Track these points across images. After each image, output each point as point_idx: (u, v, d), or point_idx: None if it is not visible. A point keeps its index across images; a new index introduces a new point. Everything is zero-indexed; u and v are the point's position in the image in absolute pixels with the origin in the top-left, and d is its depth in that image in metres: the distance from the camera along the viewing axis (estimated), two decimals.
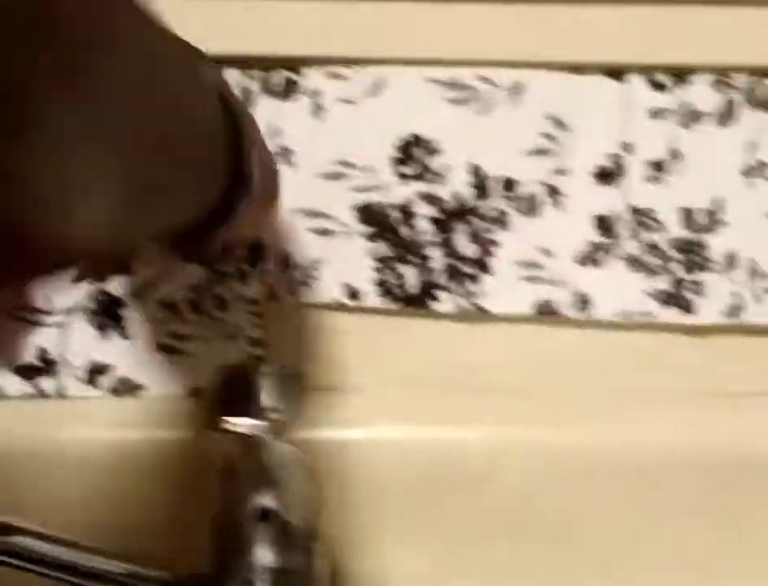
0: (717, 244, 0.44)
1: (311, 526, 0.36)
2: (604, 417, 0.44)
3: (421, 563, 0.44)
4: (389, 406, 0.44)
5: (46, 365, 0.44)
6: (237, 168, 0.32)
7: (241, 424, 0.32)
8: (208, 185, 0.31)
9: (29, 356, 0.44)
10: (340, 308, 0.44)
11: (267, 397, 0.35)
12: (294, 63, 0.43)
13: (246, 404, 0.34)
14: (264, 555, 0.35)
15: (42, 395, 0.44)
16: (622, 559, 0.44)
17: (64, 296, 0.44)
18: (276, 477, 0.35)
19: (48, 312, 0.44)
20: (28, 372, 0.44)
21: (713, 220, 0.44)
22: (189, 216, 0.30)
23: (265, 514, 0.34)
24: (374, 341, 0.44)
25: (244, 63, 0.43)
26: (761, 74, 0.43)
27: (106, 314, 0.45)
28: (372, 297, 0.44)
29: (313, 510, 0.36)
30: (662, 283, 0.45)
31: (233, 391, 0.35)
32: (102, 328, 0.44)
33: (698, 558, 0.44)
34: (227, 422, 0.33)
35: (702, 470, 0.44)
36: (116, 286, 0.44)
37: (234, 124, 0.32)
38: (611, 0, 0.42)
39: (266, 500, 0.35)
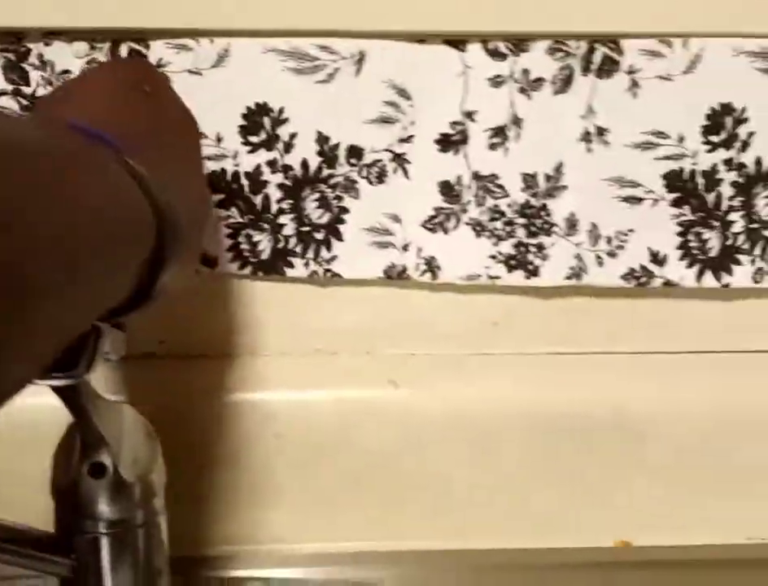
0: (558, 208, 0.46)
1: (147, 482, 0.38)
2: (452, 379, 0.47)
3: (281, 523, 0.47)
4: (248, 373, 0.47)
5: None
6: (158, 254, 0.32)
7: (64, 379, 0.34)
8: (125, 271, 0.31)
9: None
10: (195, 273, 0.46)
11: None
12: (140, 35, 0.44)
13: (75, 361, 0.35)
14: (102, 510, 0.37)
15: None
16: (478, 513, 0.48)
17: None
18: (110, 435, 0.37)
19: None
20: None
21: (553, 185, 0.46)
22: (106, 305, 0.31)
23: (100, 470, 0.37)
24: (230, 307, 0.46)
25: (92, 36, 0.44)
26: (597, 41, 0.44)
27: None
28: (226, 264, 0.46)
29: (148, 467, 0.38)
30: (507, 247, 0.47)
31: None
32: None
33: (541, 513, 0.47)
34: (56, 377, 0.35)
35: (546, 429, 0.46)
36: None
37: (156, 211, 0.31)
38: None
39: (101, 457, 0.37)
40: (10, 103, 0.44)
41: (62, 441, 0.38)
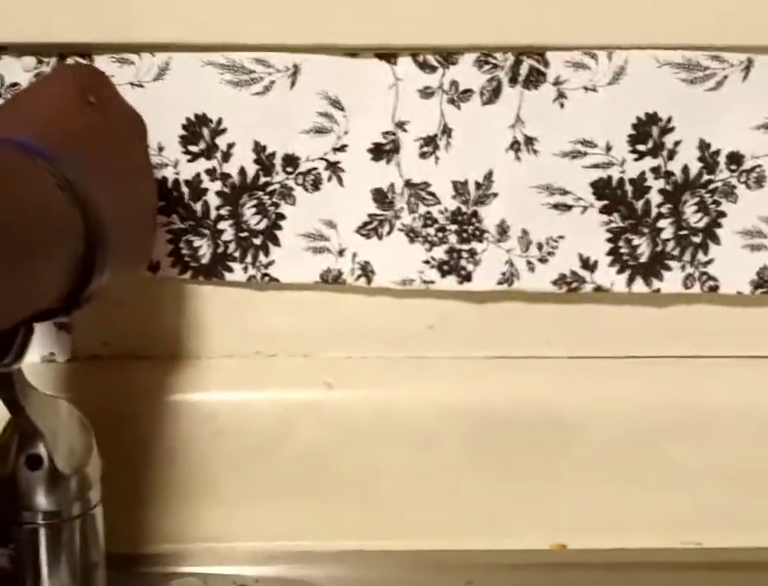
0: (489, 215, 0.48)
1: (82, 474, 0.39)
2: (387, 381, 0.48)
3: (219, 521, 0.48)
4: (187, 373, 0.48)
5: None
6: (87, 259, 0.34)
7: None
8: (54, 274, 0.33)
9: None
10: (138, 276, 0.48)
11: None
12: (85, 50, 0.46)
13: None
14: (39, 501, 0.39)
15: None
16: (413, 513, 0.49)
17: None
18: (45, 427, 0.38)
19: None
20: None
21: (484, 192, 0.47)
22: (33, 305, 0.33)
23: (37, 462, 0.38)
24: (172, 310, 0.48)
25: (39, 50, 0.46)
26: (523, 53, 0.45)
27: None
28: (167, 268, 0.48)
29: (83, 459, 0.40)
30: (440, 253, 0.48)
31: None
32: None
33: (475, 514, 0.48)
34: None
35: (479, 430, 0.48)
36: None
37: (85, 219, 0.33)
38: None
39: (38, 449, 0.38)
40: None
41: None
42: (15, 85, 0.45)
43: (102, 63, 0.45)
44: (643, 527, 0.48)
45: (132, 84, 0.45)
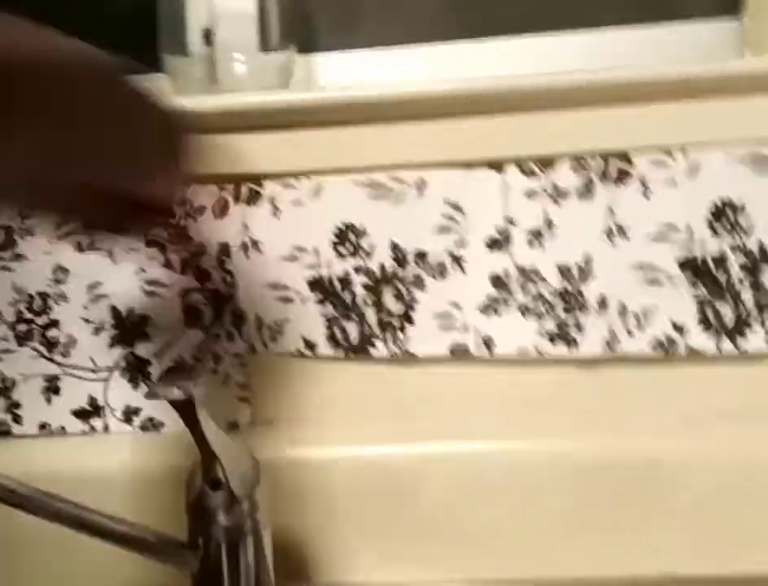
0: (592, 292, 0.55)
1: (251, 494, 0.48)
2: (508, 437, 0.56)
3: (367, 557, 0.57)
4: (341, 433, 0.58)
5: (95, 409, 0.61)
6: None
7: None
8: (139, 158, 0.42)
9: (83, 402, 0.60)
10: (301, 356, 0.58)
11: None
12: (256, 178, 0.58)
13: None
14: (219, 517, 0.47)
15: (93, 430, 0.60)
16: (532, 553, 0.56)
17: (105, 357, 0.60)
18: (221, 453, 0.47)
19: (94, 370, 0.60)
20: (82, 414, 0.61)
21: (584, 273, 0.55)
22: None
23: (217, 484, 0.47)
24: (326, 382, 0.58)
25: (217, 180, 0.58)
26: (610, 156, 0.54)
27: (137, 370, 0.60)
28: (324, 347, 0.58)
29: (252, 482, 0.48)
30: (549, 325, 0.56)
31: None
32: (132, 380, 0.60)
33: (573, 556, 0.55)
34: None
35: (591, 478, 0.55)
36: (143, 349, 0.60)
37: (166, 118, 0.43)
38: (487, 111, 0.54)
39: (216, 473, 0.47)
40: (163, 232, 0.59)
41: (190, 471, 0.49)
42: (202, 207, 0.58)
43: (270, 187, 0.57)
44: (733, 568, 0.53)
45: (293, 202, 0.57)
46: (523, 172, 0.56)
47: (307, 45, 0.67)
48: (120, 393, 0.61)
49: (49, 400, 0.61)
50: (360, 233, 0.57)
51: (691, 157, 0.54)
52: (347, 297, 0.58)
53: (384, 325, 0.58)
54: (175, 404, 0.42)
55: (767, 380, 0.55)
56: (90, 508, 0.47)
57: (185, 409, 0.42)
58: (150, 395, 0.41)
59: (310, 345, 0.59)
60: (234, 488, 0.46)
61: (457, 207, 0.57)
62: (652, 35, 0.63)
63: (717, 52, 0.62)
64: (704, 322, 0.55)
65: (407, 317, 0.58)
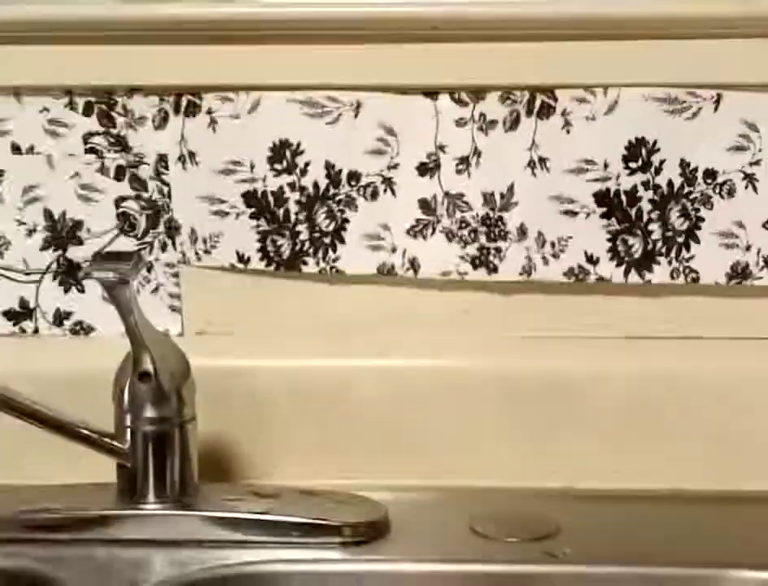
0: (513, 219, 0.59)
1: (179, 389, 0.50)
2: (431, 355, 0.60)
3: (293, 463, 0.59)
4: (271, 345, 0.60)
5: (26, 311, 0.61)
6: None
7: None
8: None
9: (14, 304, 0.61)
10: (233, 269, 0.60)
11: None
12: (196, 90, 0.59)
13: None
14: (146, 408, 0.49)
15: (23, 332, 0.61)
16: (451, 458, 0.60)
17: (38, 260, 0.61)
18: (152, 349, 0.49)
19: (27, 272, 0.61)
20: (13, 315, 0.61)
21: (507, 200, 0.59)
22: None
23: (145, 375, 0.49)
24: (257, 295, 0.60)
25: (161, 91, 0.58)
26: (537, 90, 0.57)
27: (69, 274, 0.61)
28: (256, 262, 0.60)
29: (181, 377, 0.51)
30: (472, 250, 0.59)
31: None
32: (64, 283, 0.61)
33: (499, 456, 0.59)
34: None
35: (502, 391, 0.58)
36: (76, 253, 0.61)
37: None
38: (427, 39, 0.57)
39: (145, 364, 0.50)
40: (101, 140, 0.59)
41: (121, 364, 0.51)
42: (142, 117, 0.59)
43: (209, 100, 0.59)
44: (636, 474, 0.58)
45: (231, 116, 0.59)
46: (455, 100, 0.58)
47: None
48: (52, 296, 0.62)
49: None
50: (295, 151, 0.59)
51: (611, 96, 0.57)
52: (281, 213, 0.60)
53: (315, 243, 0.61)
54: (109, 286, 0.43)
55: (669, 309, 0.60)
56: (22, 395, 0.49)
57: (119, 293, 0.44)
58: (85, 276, 0.42)
59: (242, 258, 0.60)
60: (163, 381, 0.48)
61: (391, 132, 0.59)
62: None
63: None
64: (614, 253, 0.59)
65: (338, 236, 0.60)
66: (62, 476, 0.57)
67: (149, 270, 0.61)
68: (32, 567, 0.48)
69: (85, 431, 0.48)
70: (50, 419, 0.48)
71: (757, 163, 0.58)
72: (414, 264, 0.60)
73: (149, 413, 0.48)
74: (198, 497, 0.51)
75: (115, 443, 0.48)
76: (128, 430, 0.49)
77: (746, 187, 0.58)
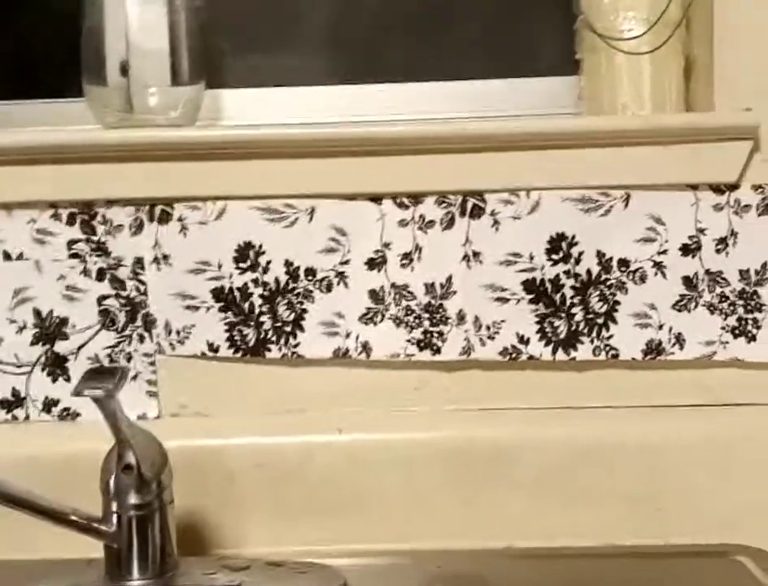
0: (452, 306, 0.66)
1: (158, 476, 0.56)
2: (383, 428, 0.66)
3: (259, 532, 0.66)
4: (239, 425, 0.67)
5: (17, 400, 0.68)
6: None
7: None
8: None
9: (6, 393, 0.67)
10: (204, 357, 0.67)
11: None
12: (168, 201, 0.66)
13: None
14: (130, 496, 0.56)
15: (15, 419, 0.67)
16: (403, 523, 0.66)
17: (27, 354, 0.67)
18: (134, 445, 0.55)
19: (18, 365, 0.67)
20: (6, 404, 0.68)
21: (446, 290, 0.66)
22: None
23: (129, 468, 0.56)
24: (226, 380, 0.67)
25: (137, 202, 0.65)
26: (468, 195, 0.65)
27: (56, 365, 0.68)
28: (224, 350, 0.67)
29: (159, 466, 0.57)
30: (417, 334, 0.66)
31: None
32: (51, 374, 0.67)
33: (447, 520, 0.66)
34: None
35: (447, 459, 0.65)
36: (61, 347, 0.67)
37: None
38: (371, 153, 0.64)
39: (129, 458, 0.56)
40: (84, 246, 0.66)
41: (106, 456, 0.57)
42: (120, 225, 0.66)
43: (179, 209, 0.66)
44: (566, 531, 0.65)
45: (199, 222, 0.66)
46: (397, 204, 0.66)
47: (216, 80, 0.75)
48: (41, 386, 0.68)
49: None
50: (257, 251, 0.67)
51: (533, 197, 0.65)
52: (246, 306, 0.67)
53: (278, 331, 0.67)
54: (96, 400, 0.50)
55: (593, 382, 0.67)
56: (16, 484, 0.55)
57: (105, 404, 0.50)
58: (76, 393, 0.49)
59: (212, 347, 0.67)
60: (144, 471, 0.55)
61: (342, 232, 0.66)
62: (509, 86, 0.75)
63: (563, 102, 0.74)
64: (542, 334, 0.67)
65: (297, 325, 0.67)
66: (56, 549, 0.63)
67: (128, 360, 0.68)
68: None
69: (75, 518, 0.54)
70: (42, 508, 0.54)
71: (664, 252, 0.66)
72: (366, 348, 0.67)
73: (132, 499, 0.55)
74: (177, 572, 0.57)
75: (103, 527, 0.55)
76: (115, 515, 0.55)
77: (656, 274, 0.66)
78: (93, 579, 0.56)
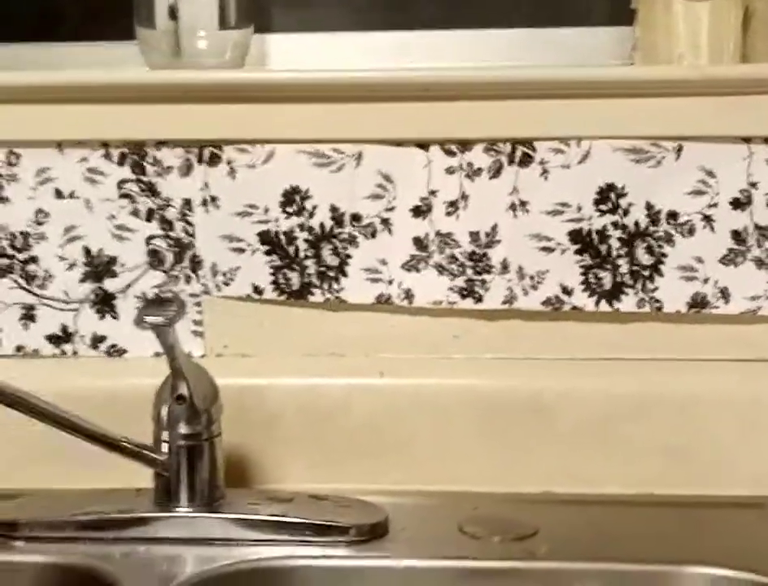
0: (496, 255, 0.66)
1: (209, 409, 0.58)
2: (420, 371, 0.67)
3: (301, 470, 0.67)
4: (281, 366, 0.68)
5: (66, 336, 0.69)
6: None
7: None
8: None
9: (56, 329, 0.69)
10: (249, 299, 0.68)
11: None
12: (217, 143, 0.66)
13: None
14: (181, 425, 0.57)
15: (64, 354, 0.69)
16: (440, 466, 0.67)
17: (77, 291, 0.69)
18: (187, 377, 0.57)
19: (67, 302, 0.69)
20: (55, 340, 0.69)
21: (491, 238, 0.66)
22: None
23: (181, 398, 0.57)
24: (270, 322, 0.68)
25: (186, 144, 0.66)
26: (518, 143, 0.64)
27: (104, 303, 0.69)
28: (269, 292, 0.68)
29: (210, 399, 0.59)
30: (460, 282, 0.67)
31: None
32: (100, 311, 0.69)
33: (484, 465, 0.67)
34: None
35: (484, 407, 0.66)
36: (110, 285, 0.69)
37: None
38: (420, 99, 0.64)
39: (182, 389, 0.57)
40: (133, 186, 0.67)
41: (160, 387, 0.59)
42: (170, 167, 0.67)
43: (228, 151, 0.66)
44: (603, 480, 0.65)
45: (248, 165, 0.66)
46: (444, 151, 0.66)
47: (264, 25, 0.75)
48: (89, 322, 0.70)
49: (26, 326, 0.69)
50: (304, 196, 0.67)
51: (583, 147, 0.65)
52: (291, 250, 0.68)
53: (321, 276, 0.68)
54: (156, 328, 0.51)
55: (636, 334, 0.67)
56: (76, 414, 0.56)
57: (163, 333, 0.51)
58: (138, 321, 0.50)
59: (257, 289, 0.68)
60: (196, 402, 0.56)
61: (388, 178, 0.66)
62: (559, 36, 0.74)
63: (614, 54, 0.73)
64: (587, 285, 0.67)
65: (341, 270, 0.68)
66: (99, 482, 0.65)
67: None
68: (84, 562, 0.56)
69: (128, 445, 0.56)
70: (95, 434, 0.56)
71: (714, 205, 0.65)
72: (409, 295, 0.68)
73: (183, 429, 0.56)
74: (224, 502, 0.59)
75: (154, 455, 0.56)
76: (166, 443, 0.57)
77: (704, 227, 0.66)
78: (142, 506, 0.58)
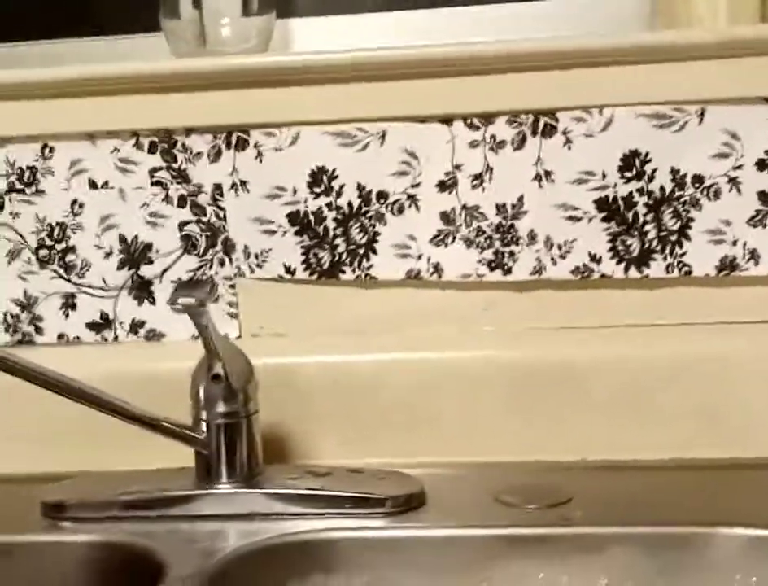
0: (523, 226, 0.67)
1: (245, 388, 0.60)
2: (451, 345, 0.68)
3: (336, 446, 0.68)
4: (314, 344, 0.69)
5: (106, 322, 0.71)
6: None
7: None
8: None
9: (96, 316, 0.71)
10: (281, 279, 0.69)
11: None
12: (245, 128, 0.68)
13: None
14: (219, 404, 0.59)
15: (104, 340, 0.71)
16: (474, 438, 0.68)
17: (114, 278, 0.71)
18: (222, 356, 0.58)
19: (105, 289, 0.71)
20: (95, 326, 0.71)
21: (517, 210, 0.66)
22: None
23: (217, 377, 0.59)
24: (302, 302, 0.69)
25: (215, 130, 0.67)
26: (540, 113, 0.64)
27: (141, 289, 0.71)
28: (300, 272, 0.69)
29: (246, 378, 0.60)
30: (488, 254, 0.67)
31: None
32: (137, 297, 0.71)
33: (518, 435, 0.67)
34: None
35: (515, 379, 0.67)
36: (146, 271, 0.70)
37: None
38: (441, 74, 0.65)
39: (217, 369, 0.59)
40: (165, 174, 0.68)
41: (196, 367, 0.60)
42: (199, 153, 0.68)
43: (255, 135, 0.67)
44: (638, 446, 0.66)
45: (275, 148, 0.67)
46: (468, 125, 0.66)
47: (286, 10, 0.76)
48: (127, 308, 0.72)
49: (66, 315, 0.71)
50: (330, 175, 0.68)
51: (606, 114, 0.65)
52: (320, 229, 0.69)
53: (351, 254, 0.69)
54: (189, 308, 0.52)
55: (665, 300, 0.67)
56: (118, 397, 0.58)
57: (197, 314, 0.53)
58: (172, 302, 0.51)
59: (289, 270, 0.69)
60: (232, 381, 0.57)
61: (413, 155, 0.67)
62: (577, 4, 0.74)
63: (632, 21, 0.72)
64: (615, 252, 0.67)
65: (370, 247, 0.69)
66: (141, 463, 0.67)
67: None
68: (128, 540, 0.58)
69: (169, 425, 0.58)
70: (137, 415, 0.58)
71: (739, 167, 0.65)
72: (438, 269, 0.68)
73: (221, 408, 0.58)
74: (263, 477, 0.60)
75: (194, 434, 0.58)
76: (204, 422, 0.58)
77: (730, 190, 0.65)
78: (184, 484, 0.60)
